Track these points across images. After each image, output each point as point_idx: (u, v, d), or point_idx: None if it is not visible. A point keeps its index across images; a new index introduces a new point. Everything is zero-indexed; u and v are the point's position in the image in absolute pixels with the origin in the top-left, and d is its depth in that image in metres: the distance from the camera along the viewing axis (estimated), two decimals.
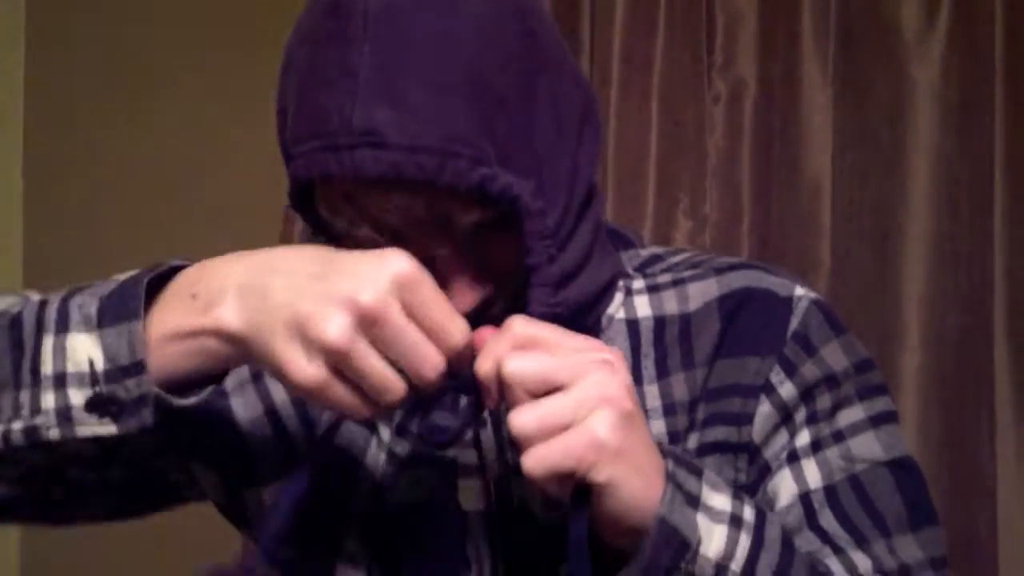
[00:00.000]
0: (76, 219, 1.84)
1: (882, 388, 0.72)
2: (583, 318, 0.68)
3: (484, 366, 0.56)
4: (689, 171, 1.49)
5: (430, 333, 0.54)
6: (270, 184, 1.61)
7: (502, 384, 0.56)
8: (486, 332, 0.58)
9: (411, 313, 0.53)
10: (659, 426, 0.70)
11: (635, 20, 1.49)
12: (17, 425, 0.57)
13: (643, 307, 0.73)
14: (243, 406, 0.72)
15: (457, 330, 0.55)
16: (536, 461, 0.54)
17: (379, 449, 0.70)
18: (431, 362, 0.54)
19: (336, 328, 0.51)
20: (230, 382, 0.72)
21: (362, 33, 0.59)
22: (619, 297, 0.73)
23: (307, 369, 0.52)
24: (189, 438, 0.71)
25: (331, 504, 0.70)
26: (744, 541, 0.59)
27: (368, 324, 0.52)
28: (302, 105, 0.61)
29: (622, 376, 0.56)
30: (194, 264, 0.58)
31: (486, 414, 0.67)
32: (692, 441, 0.69)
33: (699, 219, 1.49)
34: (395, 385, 0.53)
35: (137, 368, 0.55)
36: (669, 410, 0.70)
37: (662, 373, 0.71)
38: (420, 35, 0.59)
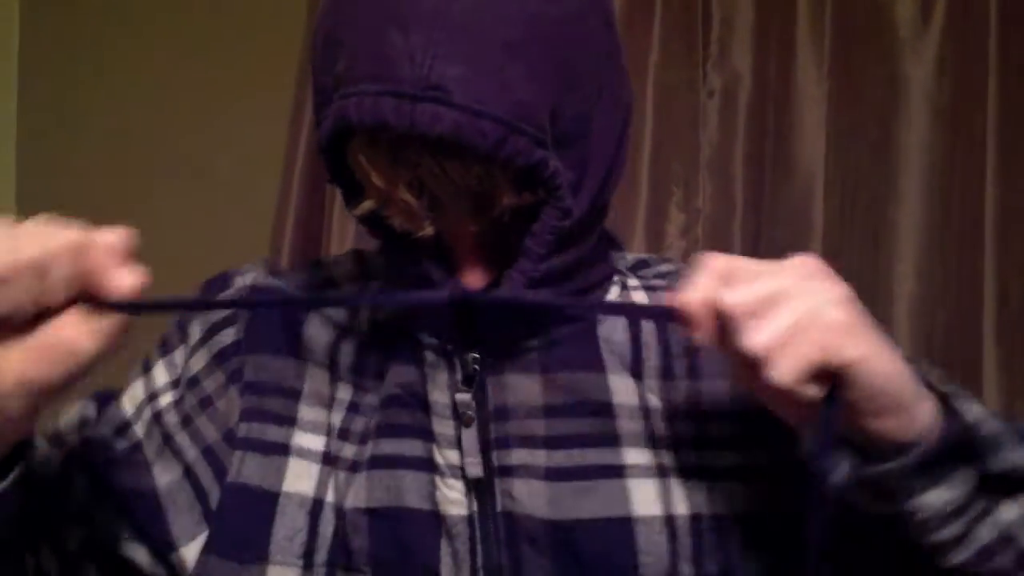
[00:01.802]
0: (70, 207, 1.83)
1: None
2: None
3: (694, 302, 0.53)
4: (683, 164, 1.48)
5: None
6: (265, 176, 1.60)
7: (719, 316, 0.53)
8: None
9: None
10: (661, 429, 0.67)
11: (631, 13, 1.48)
12: None
13: (641, 300, 0.72)
14: (163, 471, 0.69)
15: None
16: (787, 367, 0.51)
17: (308, 467, 0.68)
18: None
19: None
20: (149, 451, 0.70)
21: None
22: (615, 289, 0.72)
23: None
24: (119, 524, 0.69)
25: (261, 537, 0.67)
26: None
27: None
28: (365, 42, 0.56)
29: (825, 270, 0.55)
30: None
31: (472, 412, 0.66)
32: (720, 460, 0.67)
33: (692, 212, 1.49)
34: None
35: None
36: (672, 415, 0.68)
37: (667, 375, 0.69)
38: None
